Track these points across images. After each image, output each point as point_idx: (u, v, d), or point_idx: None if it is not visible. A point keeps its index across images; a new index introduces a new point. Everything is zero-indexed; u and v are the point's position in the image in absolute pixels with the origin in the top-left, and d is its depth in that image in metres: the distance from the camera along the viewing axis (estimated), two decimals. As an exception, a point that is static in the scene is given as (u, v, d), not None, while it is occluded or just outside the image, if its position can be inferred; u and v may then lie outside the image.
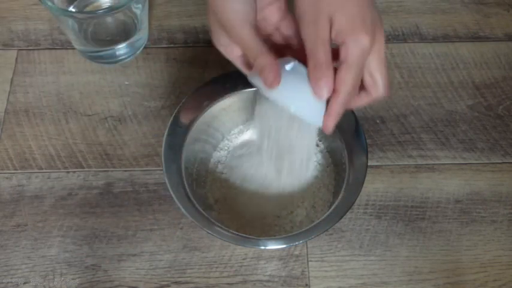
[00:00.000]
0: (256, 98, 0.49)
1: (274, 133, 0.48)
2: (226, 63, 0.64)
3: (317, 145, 0.56)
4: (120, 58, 0.64)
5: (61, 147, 0.59)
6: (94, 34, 0.62)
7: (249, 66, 0.44)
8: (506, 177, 0.58)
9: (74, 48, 0.65)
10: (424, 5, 0.70)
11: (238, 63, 0.45)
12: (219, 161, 0.56)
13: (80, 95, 0.62)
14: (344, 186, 0.50)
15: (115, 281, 0.52)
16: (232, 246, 0.54)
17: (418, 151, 0.59)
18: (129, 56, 0.64)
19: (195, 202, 0.49)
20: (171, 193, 0.48)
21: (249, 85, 0.54)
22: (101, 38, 0.62)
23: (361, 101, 0.43)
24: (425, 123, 0.61)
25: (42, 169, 0.58)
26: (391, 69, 0.64)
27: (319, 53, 0.38)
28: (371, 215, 0.55)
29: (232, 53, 0.44)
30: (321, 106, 0.41)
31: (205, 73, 0.64)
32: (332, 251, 0.54)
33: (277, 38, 0.46)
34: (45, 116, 0.61)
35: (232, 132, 0.58)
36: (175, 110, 0.52)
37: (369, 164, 0.50)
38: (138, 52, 0.65)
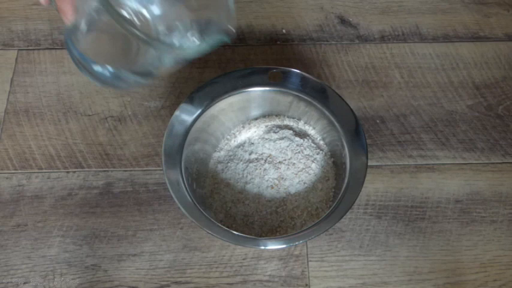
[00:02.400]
0: None
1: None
2: (226, 63, 0.65)
3: (318, 146, 0.56)
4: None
5: (61, 147, 0.59)
6: None
7: None
8: (506, 177, 0.58)
9: (74, 48, 0.65)
10: (424, 5, 0.70)
11: None
12: (219, 161, 0.56)
13: (80, 95, 0.62)
14: (344, 186, 0.50)
15: (115, 281, 0.52)
16: (232, 246, 0.54)
17: (418, 151, 0.59)
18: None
19: (195, 202, 0.49)
20: (171, 193, 0.48)
21: (249, 85, 0.55)
22: None
23: None
24: (425, 123, 0.61)
25: (42, 169, 0.58)
26: (391, 69, 0.65)
27: None
28: (371, 215, 0.55)
29: None
30: None
31: (205, 73, 0.64)
32: (332, 251, 0.54)
33: None
34: (45, 116, 0.61)
35: (232, 132, 0.58)
36: (176, 110, 0.52)
37: (369, 164, 0.50)
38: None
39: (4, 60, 0.65)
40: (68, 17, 0.40)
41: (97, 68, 0.42)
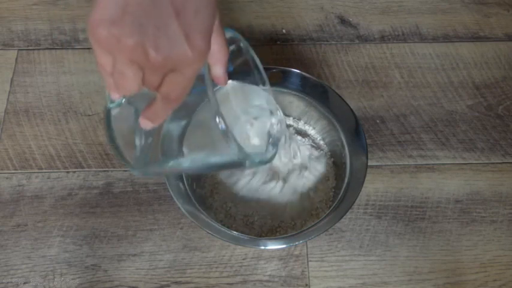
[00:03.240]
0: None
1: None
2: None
3: (318, 146, 0.56)
4: None
5: (61, 147, 0.59)
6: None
7: None
8: (506, 177, 0.58)
9: (74, 48, 0.65)
10: (424, 5, 0.70)
11: None
12: (219, 161, 0.56)
13: (80, 95, 0.62)
14: (344, 186, 0.50)
15: (115, 281, 0.52)
16: (232, 246, 0.54)
17: (418, 151, 0.59)
18: None
19: (195, 202, 0.49)
20: (171, 193, 0.48)
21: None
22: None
23: None
24: (425, 123, 0.61)
25: (42, 169, 0.58)
26: (391, 69, 0.64)
27: None
28: (371, 215, 0.55)
29: None
30: None
31: (205, 73, 0.64)
32: (332, 251, 0.54)
33: None
34: (45, 116, 0.61)
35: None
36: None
37: (369, 164, 0.50)
38: None
39: (4, 60, 0.65)
40: (157, 122, 0.36)
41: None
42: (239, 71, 0.44)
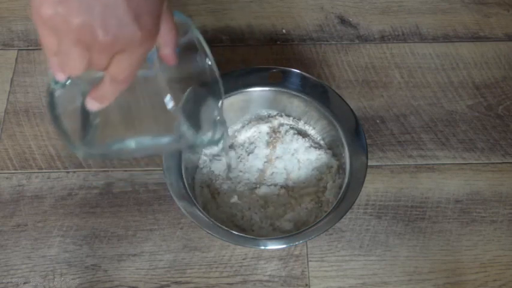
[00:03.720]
0: None
1: None
2: (226, 63, 0.65)
3: (317, 145, 0.56)
4: None
5: (61, 147, 0.59)
6: None
7: None
8: (506, 177, 0.58)
9: (74, 48, 0.65)
10: (424, 5, 0.70)
11: None
12: (219, 161, 0.56)
13: (80, 95, 0.62)
14: (344, 186, 0.50)
15: (115, 281, 0.52)
16: (232, 246, 0.54)
17: (418, 151, 0.59)
18: None
19: (195, 202, 0.49)
20: (171, 193, 0.48)
21: (249, 85, 0.55)
22: None
23: None
24: (425, 123, 0.61)
25: (42, 169, 0.58)
26: (391, 69, 0.64)
27: None
28: (371, 215, 0.55)
29: None
30: None
31: (205, 73, 0.64)
32: (332, 251, 0.54)
33: None
34: (45, 116, 0.61)
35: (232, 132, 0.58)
36: (175, 110, 0.52)
37: (369, 164, 0.50)
38: None
39: (4, 60, 0.65)
40: (104, 103, 0.36)
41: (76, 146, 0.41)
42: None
